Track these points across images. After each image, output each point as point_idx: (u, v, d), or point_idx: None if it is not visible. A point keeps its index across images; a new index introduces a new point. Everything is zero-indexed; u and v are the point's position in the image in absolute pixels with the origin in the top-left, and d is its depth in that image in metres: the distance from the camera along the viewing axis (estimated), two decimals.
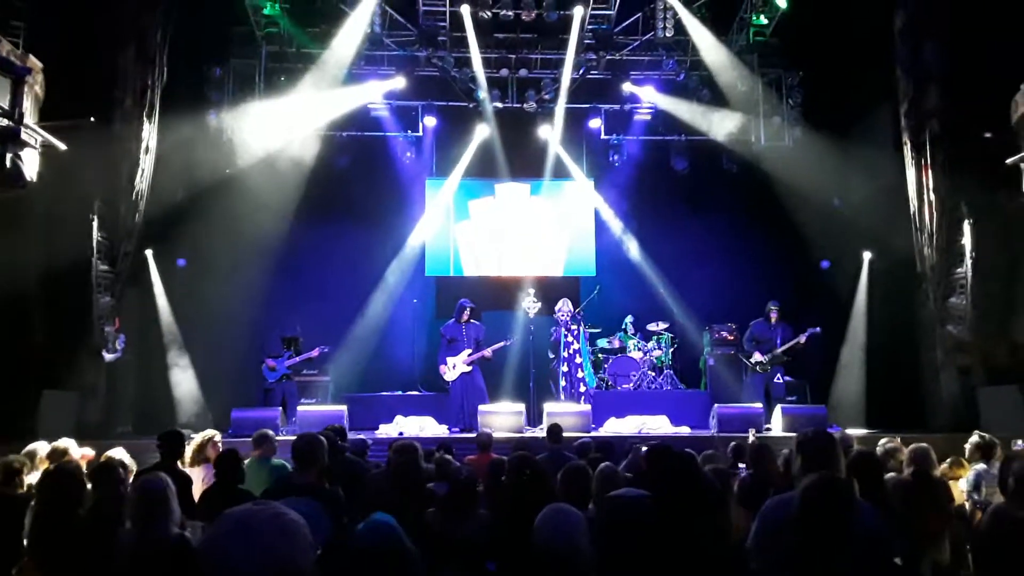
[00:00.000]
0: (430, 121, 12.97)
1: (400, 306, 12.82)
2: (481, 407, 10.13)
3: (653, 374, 12.17)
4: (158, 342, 11.42)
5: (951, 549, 4.82)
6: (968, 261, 9.77)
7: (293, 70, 12.04)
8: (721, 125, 12.64)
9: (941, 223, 10.02)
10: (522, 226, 13.55)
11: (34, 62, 8.02)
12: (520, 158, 13.36)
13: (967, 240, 9.79)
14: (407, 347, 12.60)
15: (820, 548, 2.59)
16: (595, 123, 13.30)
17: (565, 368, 11.14)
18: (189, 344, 11.52)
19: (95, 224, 9.45)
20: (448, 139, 13.39)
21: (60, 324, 9.36)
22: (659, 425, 10.15)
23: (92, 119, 9.02)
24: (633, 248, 13.23)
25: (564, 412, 9.82)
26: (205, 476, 5.71)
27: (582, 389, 11.06)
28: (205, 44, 11.69)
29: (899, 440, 5.59)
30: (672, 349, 12.48)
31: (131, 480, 4.30)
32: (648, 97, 12.85)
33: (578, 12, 11.81)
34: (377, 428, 10.19)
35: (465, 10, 11.74)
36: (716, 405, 10.23)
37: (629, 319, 12.48)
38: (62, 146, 8.19)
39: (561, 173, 13.47)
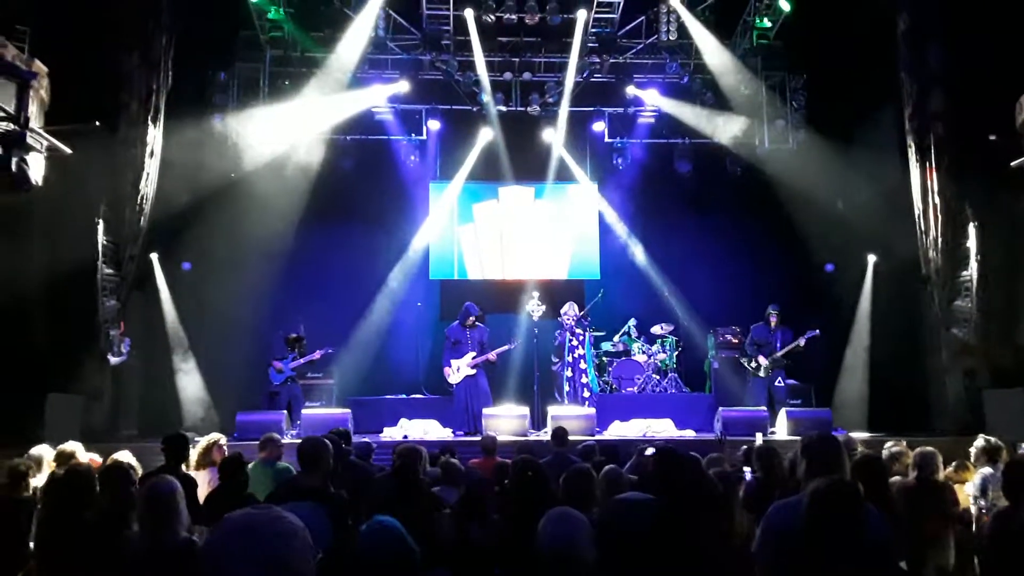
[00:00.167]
0: (434, 125, 12.98)
1: (404, 309, 12.83)
2: (485, 410, 10.14)
3: (657, 377, 12.15)
4: (163, 346, 11.45)
5: (956, 553, 4.81)
6: (973, 264, 9.74)
7: (297, 74, 12.07)
8: (725, 128, 12.64)
9: (946, 226, 10.00)
10: (526, 229, 13.56)
11: (39, 66, 8.05)
12: (524, 161, 13.37)
13: (972, 243, 9.77)
14: (411, 350, 12.61)
15: (828, 553, 2.59)
16: (599, 126, 13.30)
17: (569, 372, 11.12)
18: (194, 348, 11.55)
19: (100, 228, 9.47)
20: (452, 142, 13.41)
21: (65, 328, 9.38)
22: (663, 428, 10.13)
23: (97, 123, 9.06)
24: (637, 251, 13.22)
25: (568, 415, 9.82)
26: (211, 479, 5.73)
27: (586, 395, 11.01)
28: (210, 49, 11.71)
29: (905, 444, 5.58)
30: (676, 352, 12.47)
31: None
32: (652, 100, 12.86)
33: (581, 15, 11.82)
34: (382, 431, 10.20)
35: (469, 14, 11.77)
36: (721, 408, 10.20)
37: (632, 322, 12.47)
38: (67, 150, 8.23)
39: (565, 176, 13.47)
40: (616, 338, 12.44)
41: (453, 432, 10.22)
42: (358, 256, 12.75)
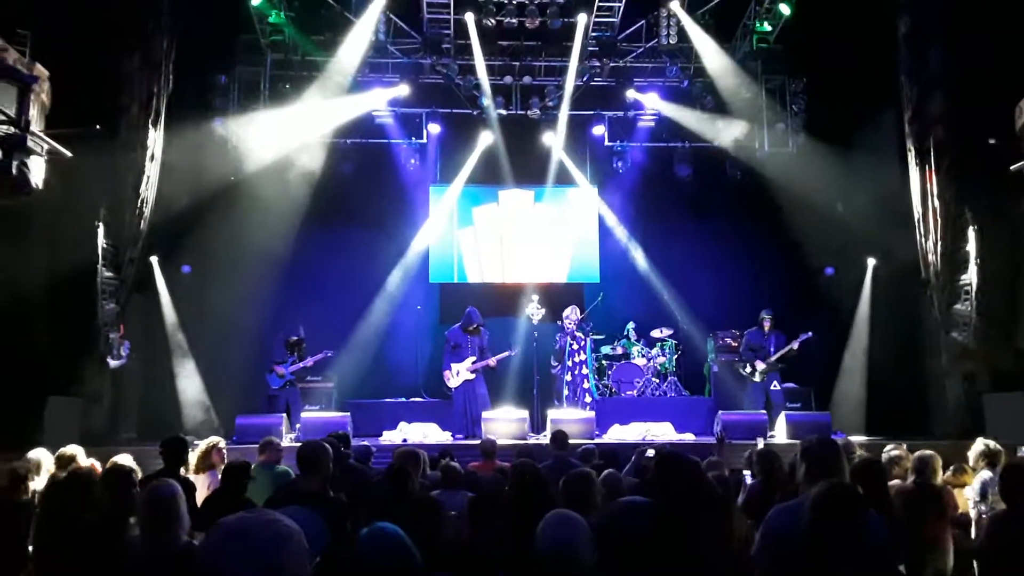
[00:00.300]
0: (434, 128, 13.00)
1: (403, 313, 12.84)
2: (485, 413, 10.14)
3: (657, 381, 12.15)
4: (163, 349, 11.45)
5: (955, 557, 4.81)
6: (973, 268, 9.73)
7: (298, 78, 12.08)
8: (725, 132, 12.66)
9: (946, 229, 9.99)
10: (526, 233, 13.57)
11: (40, 70, 8.05)
12: (524, 165, 13.39)
13: (972, 246, 9.76)
14: (411, 353, 12.61)
15: (829, 557, 2.59)
16: (599, 130, 13.32)
17: (568, 376, 11.07)
18: (194, 351, 11.56)
19: (100, 231, 9.47)
20: (452, 146, 13.43)
21: (65, 331, 9.37)
22: (663, 432, 10.12)
23: (98, 127, 9.06)
24: (637, 255, 13.23)
25: (568, 419, 9.81)
26: (210, 483, 5.72)
27: (587, 400, 10.95)
28: (210, 52, 11.73)
29: (904, 447, 5.57)
30: (676, 356, 12.47)
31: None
32: (652, 104, 12.87)
33: (582, 19, 11.84)
34: (381, 435, 10.19)
35: (469, 18, 11.79)
36: (720, 412, 10.20)
37: (631, 325, 12.47)
38: (68, 153, 8.23)
39: (565, 180, 13.48)
40: (616, 342, 12.44)
41: (452, 435, 10.22)
42: (358, 259, 12.75)
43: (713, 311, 12.46)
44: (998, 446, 5.47)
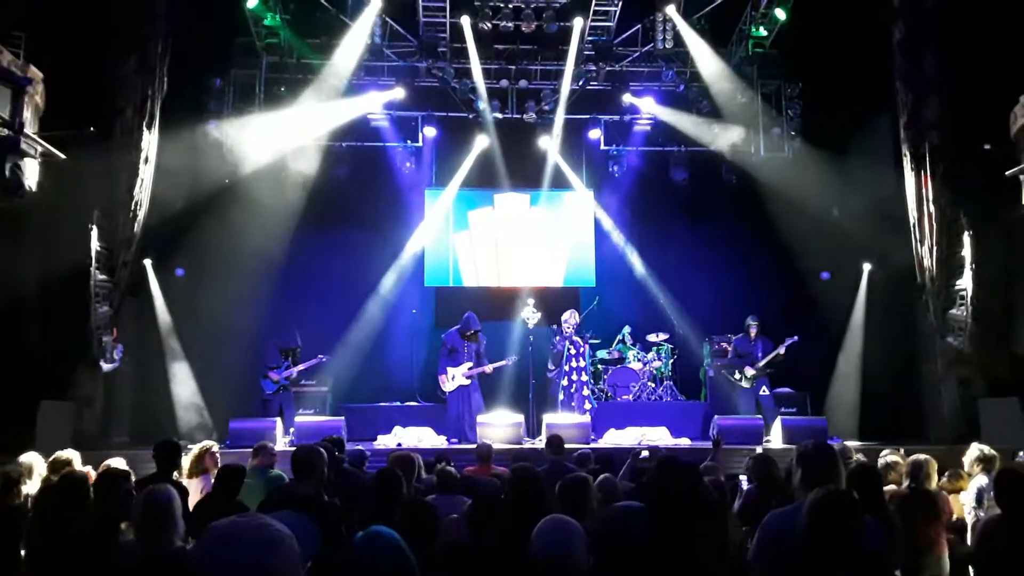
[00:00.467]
0: (430, 131, 12.99)
1: (399, 316, 12.81)
2: (480, 418, 10.12)
3: (653, 385, 12.14)
4: (157, 352, 11.41)
5: (951, 562, 4.80)
6: (968, 273, 9.75)
7: (293, 81, 12.07)
8: (720, 136, 12.68)
9: (941, 234, 10.01)
10: (521, 236, 13.57)
11: (35, 72, 8.04)
12: (520, 168, 13.38)
13: (967, 251, 9.78)
14: (405, 357, 12.57)
15: (826, 563, 2.59)
16: (595, 134, 13.33)
17: (565, 381, 11.00)
18: (187, 354, 11.52)
19: (94, 234, 9.43)
20: (448, 149, 13.42)
21: (58, 334, 9.34)
22: (659, 436, 10.11)
23: (92, 129, 9.04)
24: (633, 259, 13.23)
25: (563, 423, 9.79)
26: (203, 487, 5.69)
27: (587, 407, 10.87)
28: (206, 55, 11.72)
29: (901, 452, 5.57)
30: (672, 360, 12.47)
31: None
32: (648, 108, 12.89)
33: (578, 24, 11.86)
34: (375, 439, 10.16)
35: (465, 21, 11.79)
36: (716, 417, 10.19)
37: (627, 330, 12.47)
38: (62, 156, 8.21)
39: (561, 183, 13.49)
40: (612, 346, 12.43)
41: (447, 440, 10.19)
42: (353, 262, 12.72)
43: (709, 315, 12.45)
44: (993, 451, 5.47)
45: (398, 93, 12.37)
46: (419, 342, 12.65)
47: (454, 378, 10.52)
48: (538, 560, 2.60)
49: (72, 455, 5.54)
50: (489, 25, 11.86)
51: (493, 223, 13.61)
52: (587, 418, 10.39)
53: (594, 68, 12.56)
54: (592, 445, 9.40)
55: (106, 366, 9.79)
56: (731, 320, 11.95)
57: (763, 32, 12.02)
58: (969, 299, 9.71)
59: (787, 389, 11.52)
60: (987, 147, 9.20)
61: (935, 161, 10.00)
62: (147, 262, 11.15)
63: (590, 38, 12.41)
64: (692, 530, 2.77)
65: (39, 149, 7.99)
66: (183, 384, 11.34)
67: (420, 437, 10.08)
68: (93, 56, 9.37)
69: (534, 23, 11.78)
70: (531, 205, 13.70)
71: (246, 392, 11.01)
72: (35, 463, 5.38)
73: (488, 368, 10.63)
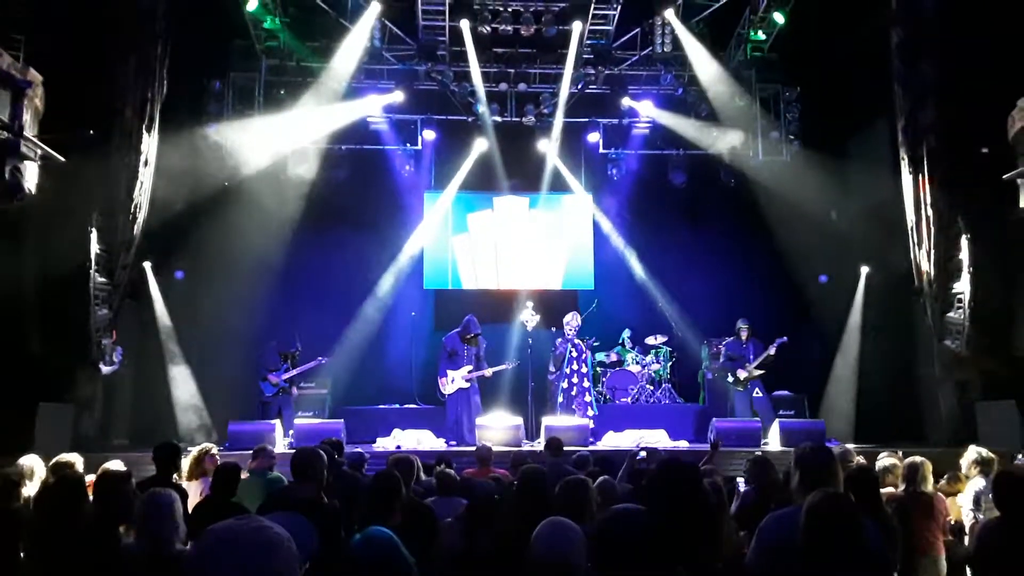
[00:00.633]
0: (429, 135, 13.01)
1: (398, 319, 12.82)
2: (479, 420, 10.12)
3: (651, 388, 12.16)
4: (156, 354, 11.41)
5: (949, 565, 4.81)
6: (966, 276, 9.77)
7: (293, 84, 12.08)
8: (719, 140, 12.71)
9: (939, 238, 10.03)
10: (521, 239, 13.58)
11: (34, 75, 8.05)
12: (519, 172, 13.41)
13: (965, 255, 9.80)
14: (405, 360, 12.57)
15: (825, 565, 2.59)
16: (594, 137, 13.35)
17: (565, 384, 10.98)
18: (187, 356, 11.52)
19: (93, 236, 9.44)
20: (447, 152, 13.44)
21: (57, 336, 9.34)
22: (657, 439, 10.11)
23: (91, 132, 9.05)
24: (632, 261, 13.25)
25: (562, 426, 9.80)
26: (203, 490, 5.69)
27: (590, 413, 10.83)
28: (205, 57, 11.73)
29: (900, 454, 5.58)
30: (670, 363, 12.48)
31: None
32: (646, 111, 12.91)
33: (577, 27, 11.87)
34: (374, 441, 10.16)
35: (464, 25, 11.80)
36: (714, 419, 10.21)
37: (627, 333, 12.49)
38: (61, 159, 8.22)
39: (560, 187, 13.51)
40: (612, 348, 12.44)
41: (446, 443, 10.19)
42: (352, 265, 12.73)
43: (707, 318, 12.47)
44: (991, 454, 5.49)
45: (397, 96, 12.38)
46: (418, 345, 12.65)
47: (454, 381, 10.53)
48: (537, 563, 2.61)
49: (74, 458, 5.53)
50: (488, 29, 11.88)
51: (492, 226, 13.63)
52: (586, 421, 10.39)
53: (593, 72, 12.58)
54: (591, 448, 9.41)
55: (105, 368, 9.80)
56: (730, 323, 11.96)
57: (762, 36, 12.07)
58: (967, 302, 9.73)
59: (785, 392, 11.54)
60: (985, 150, 9.23)
61: (933, 164, 10.02)
62: (146, 264, 11.16)
63: (589, 42, 12.44)
64: (692, 533, 2.78)
65: (39, 152, 8.00)
66: (182, 386, 11.34)
67: (419, 439, 10.07)
68: (93, 59, 9.38)
69: (533, 27, 11.80)
70: (530, 208, 13.71)
71: (245, 394, 11.00)
72: (35, 466, 5.37)
73: (488, 372, 10.64)
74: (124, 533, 3.67)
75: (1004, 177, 8.73)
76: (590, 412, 10.83)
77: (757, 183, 12.49)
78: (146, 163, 9.92)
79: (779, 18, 11.57)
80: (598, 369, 12.14)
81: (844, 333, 12.26)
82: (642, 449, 5.95)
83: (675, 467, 3.01)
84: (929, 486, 5.07)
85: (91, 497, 4.05)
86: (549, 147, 13.13)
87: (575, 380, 10.95)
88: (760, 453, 7.21)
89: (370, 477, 5.75)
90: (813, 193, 11.87)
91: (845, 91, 12.08)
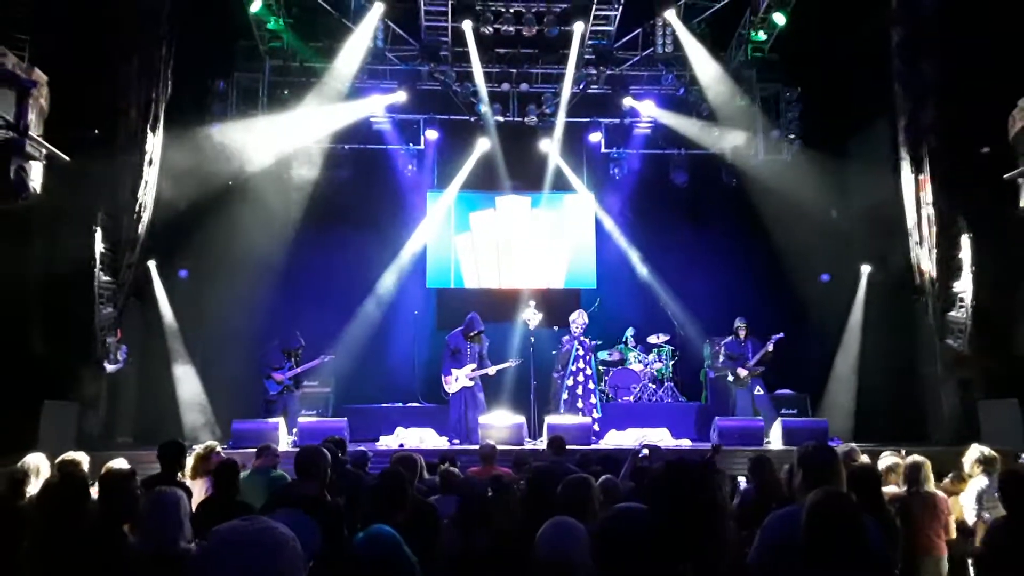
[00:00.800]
0: (432, 134, 13.05)
1: (400, 318, 12.85)
2: (481, 419, 10.13)
3: (654, 386, 12.17)
4: (160, 353, 11.44)
5: (952, 563, 4.83)
6: (967, 275, 9.78)
7: (296, 84, 12.12)
8: (720, 139, 12.72)
9: (940, 237, 10.04)
10: (523, 238, 13.61)
11: (39, 75, 8.06)
12: (521, 171, 13.44)
13: (966, 254, 9.82)
14: (407, 359, 12.61)
15: (827, 564, 2.61)
16: (595, 137, 13.38)
17: (570, 381, 10.96)
18: (191, 355, 11.56)
19: (98, 235, 9.47)
20: (449, 152, 13.46)
21: (62, 335, 9.36)
22: (660, 438, 10.12)
23: (96, 131, 9.07)
24: (634, 260, 13.26)
25: (565, 424, 9.81)
26: (207, 488, 5.70)
27: (596, 415, 10.82)
28: (209, 58, 11.76)
29: (903, 453, 5.59)
30: (673, 361, 12.49)
31: None
32: (648, 111, 12.93)
33: (578, 28, 11.89)
34: (378, 440, 10.19)
35: (467, 25, 11.83)
36: (717, 418, 10.22)
37: (630, 331, 12.51)
38: (66, 158, 8.23)
39: (562, 186, 13.54)
40: (614, 347, 12.46)
41: (449, 441, 10.21)
42: (355, 264, 12.77)
43: (709, 317, 12.48)
44: (993, 452, 5.49)
45: (400, 96, 12.41)
46: (421, 343, 12.68)
47: (458, 379, 10.54)
48: (542, 562, 2.63)
49: (81, 457, 5.54)
50: (491, 29, 11.90)
51: (494, 225, 13.65)
52: (588, 419, 10.40)
53: (595, 72, 12.60)
54: (593, 446, 9.44)
55: (110, 367, 9.82)
56: (731, 322, 11.98)
57: (762, 36, 12.08)
58: (968, 301, 9.74)
59: (787, 391, 11.55)
60: (985, 150, 9.23)
61: (934, 164, 10.03)
62: (151, 263, 11.17)
63: (591, 42, 12.46)
64: (696, 532, 2.80)
65: (44, 151, 8.01)
66: (186, 385, 11.38)
67: (422, 438, 10.10)
68: (97, 59, 9.41)
69: (535, 27, 11.83)
70: (532, 207, 13.74)
71: (249, 393, 11.02)
72: (41, 464, 5.39)
73: (491, 370, 10.65)
74: (128, 531, 3.70)
75: (1005, 177, 8.73)
76: (595, 414, 10.83)
77: (758, 183, 12.51)
78: (150, 163, 9.94)
79: (780, 18, 11.58)
80: (600, 368, 12.15)
81: (845, 332, 12.28)
82: (645, 447, 5.95)
83: (680, 467, 3.03)
84: (931, 486, 5.09)
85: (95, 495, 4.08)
86: (551, 147, 13.15)
87: (580, 379, 10.96)
88: (761, 452, 7.24)
89: (374, 475, 5.79)
90: (814, 192, 11.88)
91: (846, 91, 12.09)
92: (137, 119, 9.78)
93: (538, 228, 13.68)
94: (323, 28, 12.06)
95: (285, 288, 12.16)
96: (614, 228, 13.50)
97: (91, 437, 9.32)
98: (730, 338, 11.20)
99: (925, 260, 10.27)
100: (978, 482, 5.32)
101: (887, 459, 5.48)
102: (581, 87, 12.78)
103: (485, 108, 12.64)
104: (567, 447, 6.99)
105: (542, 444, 9.30)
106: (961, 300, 9.89)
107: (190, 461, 5.95)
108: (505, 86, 12.66)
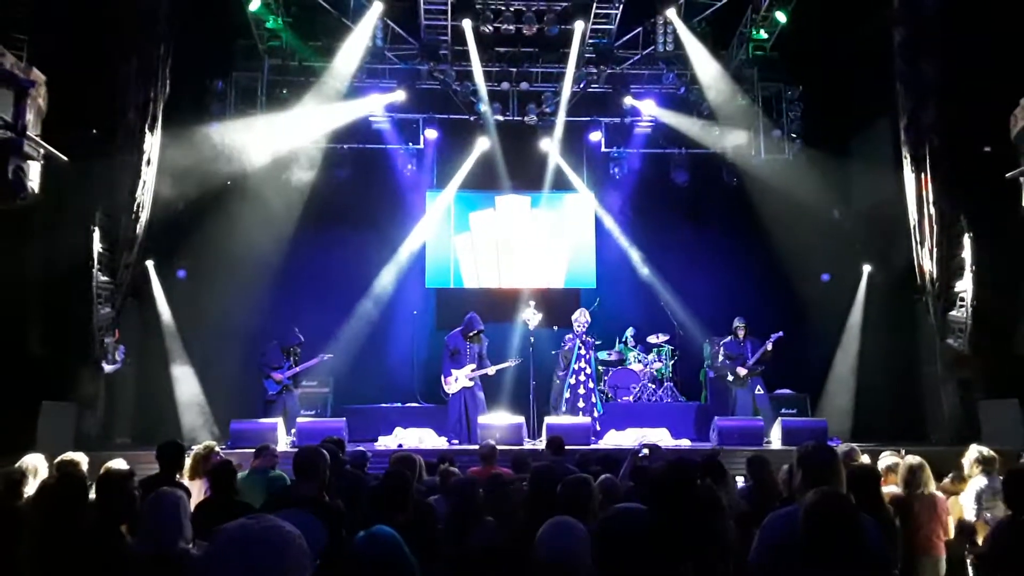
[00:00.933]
0: (431, 134, 13.03)
1: (399, 318, 12.83)
2: (480, 419, 10.12)
3: (653, 386, 12.15)
4: (158, 353, 11.42)
5: (951, 563, 4.82)
6: (968, 274, 9.77)
7: (295, 83, 12.10)
8: (721, 138, 12.71)
9: (941, 236, 10.03)
10: (523, 238, 13.59)
11: (37, 75, 8.04)
12: (521, 170, 13.42)
13: (967, 253, 9.81)
14: (406, 359, 12.60)
15: (825, 564, 2.60)
16: (595, 136, 13.36)
17: (572, 380, 10.89)
18: (190, 355, 11.54)
19: (96, 235, 9.46)
20: (449, 151, 13.45)
21: (60, 335, 9.36)
22: (659, 438, 10.10)
23: (94, 131, 9.05)
24: (634, 260, 13.25)
25: (564, 424, 9.80)
26: (206, 489, 5.69)
27: (596, 414, 10.78)
28: (208, 57, 11.74)
29: (903, 453, 5.58)
30: (672, 361, 12.48)
31: None
32: (648, 110, 12.91)
33: (579, 27, 11.88)
34: (376, 440, 10.17)
35: (467, 24, 11.81)
36: (716, 418, 10.20)
37: (630, 331, 12.49)
38: (64, 158, 8.21)
39: (562, 185, 13.52)
40: (614, 347, 12.44)
41: (448, 441, 10.19)
42: (353, 264, 12.76)
43: (709, 317, 12.47)
44: (993, 452, 5.48)
45: (399, 95, 12.40)
46: (420, 343, 12.68)
47: (458, 380, 10.53)
48: (542, 562, 2.62)
49: (80, 457, 5.53)
50: (490, 28, 11.88)
51: (494, 225, 13.63)
52: (588, 419, 10.37)
53: (595, 71, 12.59)
54: (593, 446, 9.42)
55: (108, 367, 9.81)
56: (731, 321, 11.98)
57: (763, 35, 12.07)
58: (969, 301, 9.73)
59: (787, 391, 11.53)
60: (987, 149, 9.21)
61: (935, 163, 10.02)
62: (149, 263, 11.16)
63: (591, 41, 12.44)
64: (695, 531, 2.79)
65: (42, 151, 7.99)
66: (185, 385, 11.36)
67: (421, 438, 10.08)
68: (96, 59, 9.40)
69: (535, 26, 11.81)
70: (532, 207, 13.72)
71: (248, 393, 11.02)
72: (39, 464, 5.38)
73: (491, 370, 10.63)
74: (127, 532, 3.68)
75: (1007, 176, 8.71)
76: (596, 413, 10.81)
77: (759, 182, 12.50)
78: (149, 162, 9.93)
79: (781, 17, 11.58)
80: (600, 368, 12.13)
81: (845, 332, 12.27)
82: (644, 446, 5.93)
83: (680, 467, 3.02)
84: (931, 486, 5.07)
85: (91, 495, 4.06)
86: (551, 146, 13.14)
87: (582, 378, 10.93)
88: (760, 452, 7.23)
89: (374, 476, 5.78)
90: (815, 192, 11.87)
91: (847, 90, 12.08)
92: (135, 119, 9.76)
93: (538, 228, 13.66)
94: (322, 27, 12.05)
95: (284, 288, 12.15)
96: (614, 227, 13.48)
97: (89, 437, 9.31)
98: (729, 338, 11.20)
99: (926, 260, 10.26)
100: (977, 482, 5.31)
101: (887, 459, 5.46)
102: (581, 86, 12.77)
103: (485, 107, 12.62)
104: (567, 447, 6.98)
105: (541, 444, 9.28)
106: (962, 300, 9.88)
107: (189, 461, 5.94)
108: (505, 85, 12.65)
